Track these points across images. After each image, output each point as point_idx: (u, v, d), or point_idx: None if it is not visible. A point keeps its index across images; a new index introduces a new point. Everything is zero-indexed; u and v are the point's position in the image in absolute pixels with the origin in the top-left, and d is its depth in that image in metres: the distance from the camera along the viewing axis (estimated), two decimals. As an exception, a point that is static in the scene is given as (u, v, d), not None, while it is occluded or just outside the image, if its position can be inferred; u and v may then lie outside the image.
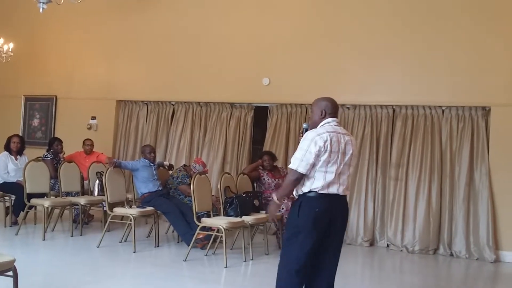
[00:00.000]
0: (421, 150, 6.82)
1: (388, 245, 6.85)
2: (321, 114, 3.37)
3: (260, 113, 8.08)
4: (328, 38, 7.39)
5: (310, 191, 3.24)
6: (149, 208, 6.12)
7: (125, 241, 6.19)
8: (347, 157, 3.30)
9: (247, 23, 7.91)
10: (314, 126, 3.38)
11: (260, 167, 6.74)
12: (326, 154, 3.20)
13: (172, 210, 6.16)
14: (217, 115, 8.10)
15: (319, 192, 3.22)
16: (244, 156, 7.87)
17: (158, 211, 6.25)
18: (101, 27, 8.86)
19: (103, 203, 6.48)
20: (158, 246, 6.09)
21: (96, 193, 6.83)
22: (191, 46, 8.24)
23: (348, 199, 3.45)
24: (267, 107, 7.94)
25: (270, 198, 6.39)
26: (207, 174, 6.43)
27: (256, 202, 6.23)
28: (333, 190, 3.24)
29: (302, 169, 3.21)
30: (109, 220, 6.06)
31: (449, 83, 6.71)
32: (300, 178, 3.25)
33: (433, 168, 6.73)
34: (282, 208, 6.29)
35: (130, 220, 5.90)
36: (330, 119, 3.35)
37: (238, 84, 7.88)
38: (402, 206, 6.78)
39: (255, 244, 6.30)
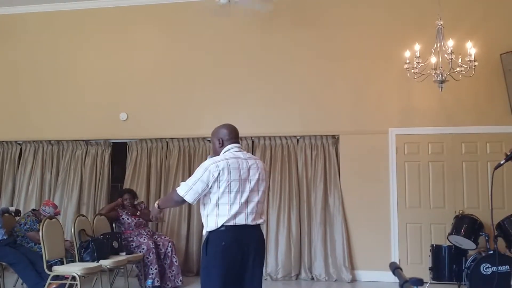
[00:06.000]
0: (280, 178, 7.04)
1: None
2: (219, 143, 3.25)
3: (119, 150, 7.76)
4: (186, 73, 7.40)
5: (216, 227, 3.05)
6: (-9, 260, 5.49)
7: (-37, 300, 5.47)
8: (253, 183, 3.12)
9: (101, 56, 7.64)
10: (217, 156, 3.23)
11: (120, 206, 6.42)
12: (225, 184, 3.03)
13: (19, 261, 5.56)
14: (70, 154, 7.61)
15: (225, 225, 3.03)
16: (102, 195, 7.45)
17: (3, 263, 5.63)
18: None
19: None
20: (3, 302, 5.47)
21: None
22: (38, 80, 7.72)
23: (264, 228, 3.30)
24: (125, 143, 7.66)
25: (131, 238, 6.14)
26: (59, 217, 5.95)
27: (115, 244, 5.89)
28: (241, 220, 3.04)
29: (189, 198, 3.07)
30: None
31: (301, 115, 7.08)
32: (182, 202, 3.13)
33: (292, 195, 6.97)
34: (143, 248, 6.04)
35: (-32, 276, 5.23)
36: (230, 146, 3.22)
37: (93, 120, 7.51)
38: (264, 235, 6.86)
39: (116, 289, 5.95)
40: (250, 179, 3.13)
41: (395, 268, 1.57)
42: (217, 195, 3.06)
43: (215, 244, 3.06)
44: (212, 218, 3.07)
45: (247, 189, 3.10)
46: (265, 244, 3.29)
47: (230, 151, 3.20)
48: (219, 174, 3.04)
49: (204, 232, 3.17)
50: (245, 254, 3.08)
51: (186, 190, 3.07)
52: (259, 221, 3.15)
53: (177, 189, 3.14)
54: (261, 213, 3.19)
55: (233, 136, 3.28)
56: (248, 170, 3.14)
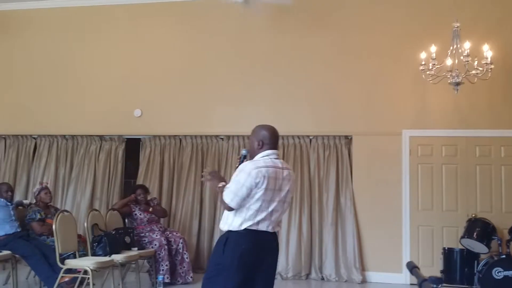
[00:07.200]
0: (292, 178, 7.03)
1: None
2: (258, 145, 3.20)
3: (132, 146, 7.82)
4: (200, 70, 7.43)
5: (238, 229, 3.07)
6: (5, 252, 5.53)
7: (-23, 291, 5.55)
8: (282, 194, 3.14)
9: (117, 53, 7.69)
10: (252, 155, 3.23)
11: (133, 202, 6.47)
12: (261, 192, 3.04)
13: (32, 253, 5.61)
14: (85, 149, 7.67)
15: (247, 228, 3.05)
16: (115, 191, 7.51)
17: (16, 255, 5.65)
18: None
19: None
20: (16, 294, 5.52)
21: None
22: (54, 75, 7.78)
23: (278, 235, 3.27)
24: (139, 139, 7.71)
25: (143, 234, 6.18)
26: (50, 186, 6.39)
27: (127, 239, 5.93)
28: (263, 227, 3.08)
29: (234, 204, 3.06)
30: (-42, 268, 5.39)
31: (314, 114, 7.07)
32: (230, 209, 3.09)
33: (303, 195, 6.96)
34: (155, 244, 6.08)
35: (-17, 267, 5.31)
36: (270, 152, 3.19)
37: (108, 116, 7.56)
38: (275, 234, 6.90)
39: (127, 284, 6.00)
40: (281, 190, 3.14)
41: (412, 267, 1.58)
42: (251, 201, 3.07)
43: (235, 247, 3.07)
44: (238, 220, 3.09)
45: (277, 199, 3.12)
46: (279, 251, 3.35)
47: (270, 158, 3.18)
48: (260, 181, 3.05)
49: (222, 227, 3.17)
50: (260, 259, 3.11)
51: (232, 197, 3.07)
52: (277, 229, 3.21)
53: (223, 196, 3.11)
54: (280, 221, 3.26)
55: (274, 141, 3.25)
56: (283, 180, 3.15)
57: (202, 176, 3.41)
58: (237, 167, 3.25)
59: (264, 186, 3.05)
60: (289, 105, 7.15)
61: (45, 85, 7.81)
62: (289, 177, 3.20)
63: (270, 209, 3.09)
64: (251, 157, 3.28)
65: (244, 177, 3.06)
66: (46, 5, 7.94)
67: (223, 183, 3.22)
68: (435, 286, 1.24)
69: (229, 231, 3.12)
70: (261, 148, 3.21)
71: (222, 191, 3.15)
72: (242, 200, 3.06)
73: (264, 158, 3.17)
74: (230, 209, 3.10)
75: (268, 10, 7.18)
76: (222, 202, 3.12)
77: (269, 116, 7.09)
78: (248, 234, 3.06)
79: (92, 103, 7.64)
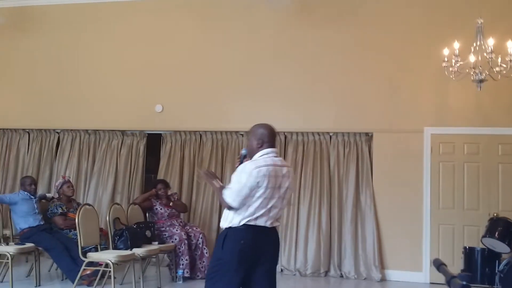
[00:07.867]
0: (312, 174, 7.03)
1: (282, 270, 6.87)
2: (258, 144, 3.26)
3: (153, 141, 7.89)
4: (220, 66, 7.46)
5: (237, 225, 3.14)
6: (29, 245, 5.66)
7: (2, 281, 5.68)
8: (282, 191, 3.20)
9: (139, 49, 7.74)
10: (252, 154, 3.28)
11: (154, 197, 6.54)
12: (262, 190, 3.11)
13: (54, 246, 5.73)
14: (107, 144, 7.77)
15: (246, 224, 3.12)
16: (136, 185, 7.60)
17: (39, 248, 5.78)
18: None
19: (-23, 241, 5.88)
20: (39, 285, 5.65)
21: (-31, 230, 6.17)
22: (78, 70, 7.89)
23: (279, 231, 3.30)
24: (160, 134, 7.78)
25: (163, 229, 6.25)
26: (70, 180, 6.58)
27: (148, 233, 6.01)
28: (261, 222, 3.14)
29: (236, 204, 3.11)
30: (-17, 259, 5.52)
31: (334, 111, 7.05)
32: (230, 208, 3.14)
33: (323, 192, 6.95)
34: (175, 239, 6.14)
35: (7, 258, 5.40)
36: (269, 150, 3.24)
37: (130, 111, 7.64)
38: (294, 230, 6.92)
39: (147, 278, 6.07)
40: (281, 187, 3.20)
41: (439, 265, 1.57)
42: (251, 199, 3.12)
43: (234, 242, 3.13)
44: (238, 217, 3.14)
45: (276, 196, 3.18)
46: (279, 246, 3.45)
47: (269, 156, 3.23)
48: (261, 180, 3.10)
49: (223, 224, 3.22)
50: (260, 254, 3.18)
51: (234, 197, 3.12)
52: (276, 224, 3.26)
53: (224, 195, 3.15)
54: (278, 218, 3.30)
55: (272, 139, 3.30)
56: (282, 177, 3.21)
57: (198, 177, 3.45)
58: (237, 167, 3.30)
59: (265, 184, 3.11)
60: (310, 101, 7.13)
61: (68, 80, 7.91)
62: (288, 174, 3.25)
63: (269, 205, 3.15)
64: (251, 157, 3.32)
65: (246, 177, 3.11)
66: (66, 1, 8.03)
67: (219, 182, 3.29)
68: (464, 282, 1.24)
69: (228, 228, 3.18)
70: (261, 147, 3.25)
71: (219, 191, 3.21)
72: (244, 199, 3.11)
73: (264, 157, 3.22)
74: (231, 208, 3.15)
75: (289, 5, 7.15)
76: (223, 201, 3.17)
77: (289, 113, 7.13)
78: (247, 229, 3.12)
79: (114, 98, 7.72)
